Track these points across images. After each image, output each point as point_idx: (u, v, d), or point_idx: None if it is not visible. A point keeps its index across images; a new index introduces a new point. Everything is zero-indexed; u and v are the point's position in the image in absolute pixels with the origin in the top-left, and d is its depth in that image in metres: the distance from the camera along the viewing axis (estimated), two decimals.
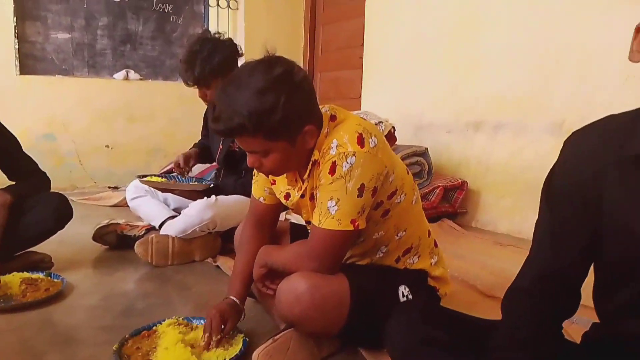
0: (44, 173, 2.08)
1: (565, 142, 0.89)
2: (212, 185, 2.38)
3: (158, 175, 2.57)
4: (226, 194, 2.33)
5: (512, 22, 2.96)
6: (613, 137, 0.81)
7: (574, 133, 0.88)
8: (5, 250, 1.91)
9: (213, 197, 2.27)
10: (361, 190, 1.19)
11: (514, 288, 0.96)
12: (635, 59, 0.81)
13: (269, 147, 1.19)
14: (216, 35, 2.21)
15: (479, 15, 3.15)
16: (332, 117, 1.28)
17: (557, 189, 0.88)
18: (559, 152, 0.90)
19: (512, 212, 2.99)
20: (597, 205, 0.82)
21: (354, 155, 1.18)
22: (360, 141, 1.20)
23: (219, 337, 1.36)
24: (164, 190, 2.45)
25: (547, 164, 0.93)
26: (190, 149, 2.55)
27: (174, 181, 2.44)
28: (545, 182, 0.91)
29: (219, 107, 1.16)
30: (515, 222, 2.96)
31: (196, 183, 2.46)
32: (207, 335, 1.35)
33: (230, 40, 2.22)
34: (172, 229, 2.23)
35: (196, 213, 2.20)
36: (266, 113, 1.12)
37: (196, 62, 2.09)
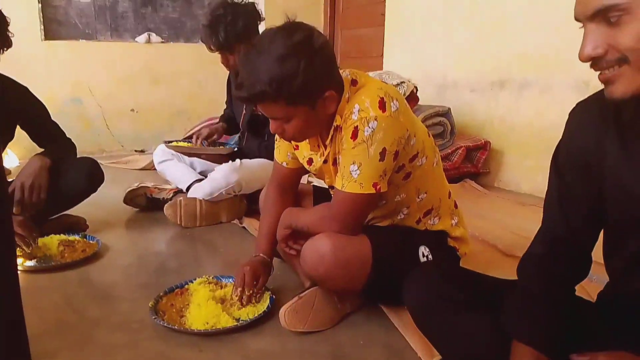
0: (70, 139, 2.14)
1: (570, 113, 0.94)
2: (236, 149, 2.43)
3: (183, 140, 2.63)
4: (250, 158, 2.38)
5: None
6: (610, 105, 0.84)
7: (578, 104, 0.93)
8: (44, 213, 2.00)
9: (238, 160, 2.33)
10: (383, 154, 1.22)
11: (528, 254, 1.01)
12: None
13: (291, 113, 1.21)
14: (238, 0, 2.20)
15: None
16: (353, 82, 1.30)
17: (562, 157, 0.94)
18: None
19: (535, 171, 2.97)
20: (599, 169, 0.87)
21: (375, 119, 1.20)
22: (382, 105, 1.21)
23: (251, 291, 1.44)
24: (190, 155, 2.52)
25: None
26: (217, 122, 2.58)
27: (199, 145, 2.50)
28: (554, 151, 0.95)
29: (242, 75, 1.19)
30: (538, 182, 2.95)
31: (221, 147, 2.52)
32: (239, 289, 1.44)
33: (252, 4, 2.22)
34: (199, 192, 2.30)
35: (222, 176, 2.27)
36: (287, 79, 1.14)
37: (220, 27, 2.10)
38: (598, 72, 0.79)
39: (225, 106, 2.72)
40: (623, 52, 0.73)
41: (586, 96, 2.58)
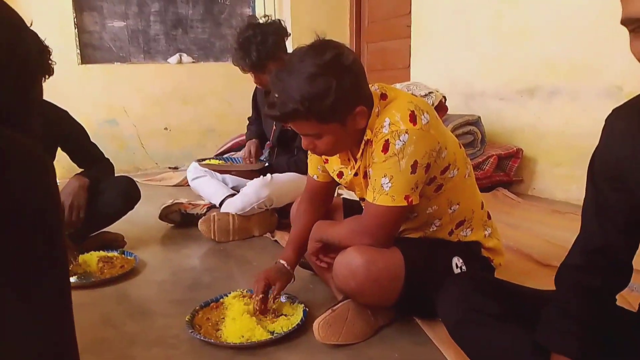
0: (109, 159, 2.23)
1: (606, 120, 0.91)
2: (267, 164, 2.47)
3: (215, 157, 2.69)
4: (280, 172, 2.42)
5: None
6: None
7: (613, 111, 0.90)
8: (83, 231, 2.07)
9: (269, 175, 2.36)
10: (414, 167, 1.22)
11: (565, 265, 0.98)
12: None
13: (322, 130, 1.23)
14: (264, 19, 2.25)
15: None
16: (383, 96, 1.31)
17: (598, 167, 0.92)
18: None
19: (568, 179, 2.91)
20: (634, 180, 0.84)
21: (406, 132, 1.21)
22: (413, 118, 1.22)
23: (260, 296, 1.45)
24: (222, 172, 2.57)
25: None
26: (248, 139, 2.63)
27: (230, 162, 2.55)
28: (590, 160, 0.93)
29: (273, 94, 1.22)
30: (572, 190, 2.89)
31: (252, 163, 2.56)
32: (256, 297, 1.46)
33: (278, 22, 2.26)
34: (231, 207, 2.34)
35: (253, 192, 2.31)
36: (318, 97, 1.16)
37: (251, 48, 2.13)
38: None
39: (247, 122, 2.78)
40: None
41: (619, 102, 2.52)
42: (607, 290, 0.94)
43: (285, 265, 1.52)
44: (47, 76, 1.90)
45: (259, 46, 2.13)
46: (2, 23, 0.61)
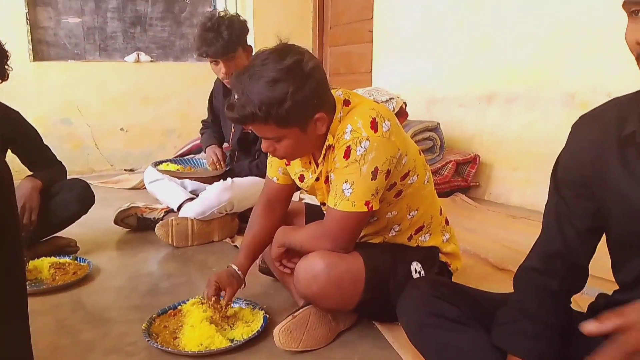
0: (61, 163, 2.15)
1: (571, 128, 0.93)
2: (228, 169, 2.43)
3: (173, 161, 2.63)
4: (241, 176, 2.39)
5: None
6: (612, 121, 0.85)
7: (579, 118, 0.93)
8: (34, 235, 1.99)
9: (229, 179, 2.33)
10: (375, 173, 1.23)
11: (524, 267, 1.01)
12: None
13: (281, 134, 1.23)
14: (223, 13, 2.23)
15: None
16: (346, 102, 1.32)
17: (561, 173, 0.94)
18: (571, 124, 0.95)
19: (524, 184, 3.01)
20: (601, 185, 0.87)
21: (367, 139, 1.22)
22: (374, 126, 1.23)
23: (213, 299, 1.43)
24: (180, 178, 2.52)
25: (559, 137, 0.98)
26: (207, 145, 2.58)
27: (189, 167, 2.50)
28: (553, 166, 0.96)
29: (233, 96, 1.21)
30: (528, 195, 2.99)
31: (210, 170, 2.52)
32: (208, 302, 1.44)
33: (237, 15, 2.27)
34: (191, 211, 2.29)
35: (214, 196, 2.27)
36: (277, 102, 1.16)
37: (221, 29, 2.11)
38: None
39: (201, 125, 2.73)
40: None
41: (573, 110, 2.66)
42: (564, 293, 0.98)
43: (237, 270, 1.49)
44: (1, 81, 1.83)
45: (229, 28, 2.12)
46: None
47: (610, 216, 0.88)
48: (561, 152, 0.95)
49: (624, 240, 0.89)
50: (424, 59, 3.63)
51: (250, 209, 2.21)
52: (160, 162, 2.56)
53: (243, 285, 1.52)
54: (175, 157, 2.89)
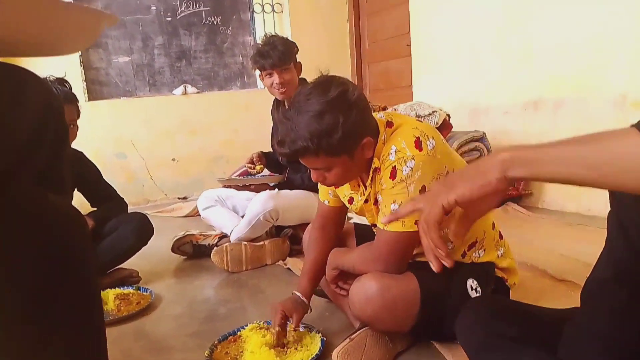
0: (122, 198, 2.28)
1: None
2: (284, 179, 2.53)
3: (233, 177, 2.78)
4: (295, 186, 2.49)
5: (562, 4, 2.86)
6: None
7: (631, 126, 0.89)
8: (99, 269, 2.10)
9: (276, 190, 2.44)
10: (422, 191, 1.24)
11: (592, 279, 0.95)
12: None
13: (331, 163, 1.26)
14: None
15: None
16: (389, 124, 1.33)
17: None
18: (625, 125, 0.91)
19: (579, 190, 2.90)
20: None
21: (413, 158, 1.23)
22: (418, 145, 1.24)
23: (277, 328, 1.44)
24: (240, 188, 2.61)
25: None
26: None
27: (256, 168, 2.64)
28: None
29: (282, 132, 1.25)
30: (583, 200, 2.88)
31: (269, 176, 2.62)
32: (273, 330, 1.45)
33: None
34: (240, 226, 2.39)
35: (259, 203, 2.36)
36: (326, 134, 1.19)
37: (276, 44, 2.31)
38: None
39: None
40: None
41: (624, 111, 2.56)
42: (634, 305, 0.93)
43: (301, 296, 1.52)
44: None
45: (283, 44, 2.33)
46: (37, 86, 0.65)
47: None
48: None
49: None
50: (464, 69, 3.59)
51: (301, 229, 2.28)
52: (224, 179, 2.72)
53: (309, 310, 1.54)
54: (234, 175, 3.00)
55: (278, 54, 2.31)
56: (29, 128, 0.60)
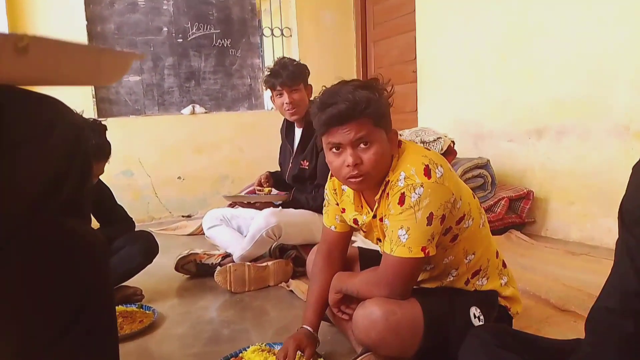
0: (131, 219, 2.33)
1: (633, 169, 0.91)
2: (290, 199, 2.55)
3: (239, 195, 2.81)
4: (299, 206, 2.51)
5: (564, 27, 2.91)
6: None
7: None
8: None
9: (279, 207, 2.48)
10: (430, 218, 1.26)
11: (598, 308, 0.95)
12: None
13: (373, 134, 1.30)
14: None
15: (529, 22, 3.12)
16: (399, 142, 1.37)
17: (627, 212, 0.91)
18: (627, 155, 0.93)
19: (582, 218, 2.92)
20: None
21: (421, 186, 1.25)
22: (427, 172, 1.27)
23: None
24: (245, 205, 2.65)
25: (615, 168, 0.97)
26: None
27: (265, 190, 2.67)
28: (620, 205, 0.93)
29: (331, 96, 1.29)
30: (587, 229, 2.89)
31: (274, 195, 2.66)
32: None
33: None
34: (242, 243, 2.42)
35: (262, 219, 2.39)
36: (371, 100, 1.28)
37: (287, 63, 2.41)
38: None
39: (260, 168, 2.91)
40: None
41: (627, 140, 2.61)
42: None
43: (311, 330, 1.52)
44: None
45: (294, 65, 2.42)
46: (69, 119, 0.69)
47: None
48: (627, 190, 0.92)
49: None
50: (469, 95, 3.64)
51: (305, 253, 2.30)
52: (230, 195, 2.76)
53: (318, 343, 1.55)
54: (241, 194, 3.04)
55: (288, 74, 2.38)
56: (58, 160, 0.63)
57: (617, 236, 0.96)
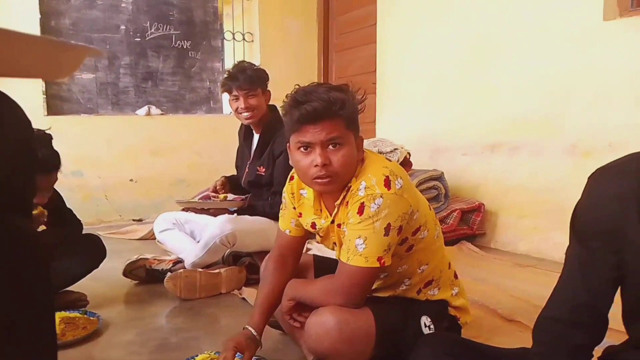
0: (79, 221, 2.22)
1: (589, 179, 0.93)
2: (245, 205, 2.51)
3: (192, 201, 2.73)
4: (254, 213, 2.47)
5: (523, 47, 3.03)
6: (632, 174, 0.87)
7: (597, 170, 0.93)
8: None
9: (235, 215, 2.43)
10: (387, 229, 1.26)
11: (545, 317, 0.98)
12: None
13: (344, 137, 1.30)
14: None
15: (490, 41, 3.23)
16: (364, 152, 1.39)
17: (583, 225, 0.93)
18: (576, 173, 0.97)
19: (531, 232, 3.02)
20: (619, 240, 0.88)
21: (381, 197, 1.26)
22: (387, 183, 1.28)
23: None
24: (199, 211, 2.58)
25: (565, 185, 1.00)
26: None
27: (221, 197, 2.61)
28: (572, 215, 0.96)
29: (305, 95, 1.29)
30: (535, 242, 2.99)
31: (229, 201, 2.60)
32: None
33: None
34: (195, 250, 2.36)
35: (217, 226, 2.33)
36: (347, 100, 1.30)
37: (245, 68, 2.39)
38: None
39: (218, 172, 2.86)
40: None
41: (577, 159, 2.71)
42: (587, 345, 0.95)
43: (253, 331, 1.48)
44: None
45: (252, 69, 2.40)
46: (19, 122, 0.66)
47: (627, 268, 0.88)
48: (578, 203, 0.95)
49: (638, 293, 0.90)
50: (427, 109, 3.72)
51: (259, 259, 2.26)
52: (183, 200, 2.68)
53: (260, 347, 1.51)
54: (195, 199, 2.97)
55: (246, 77, 2.35)
56: (7, 158, 0.60)
57: (564, 250, 0.99)
